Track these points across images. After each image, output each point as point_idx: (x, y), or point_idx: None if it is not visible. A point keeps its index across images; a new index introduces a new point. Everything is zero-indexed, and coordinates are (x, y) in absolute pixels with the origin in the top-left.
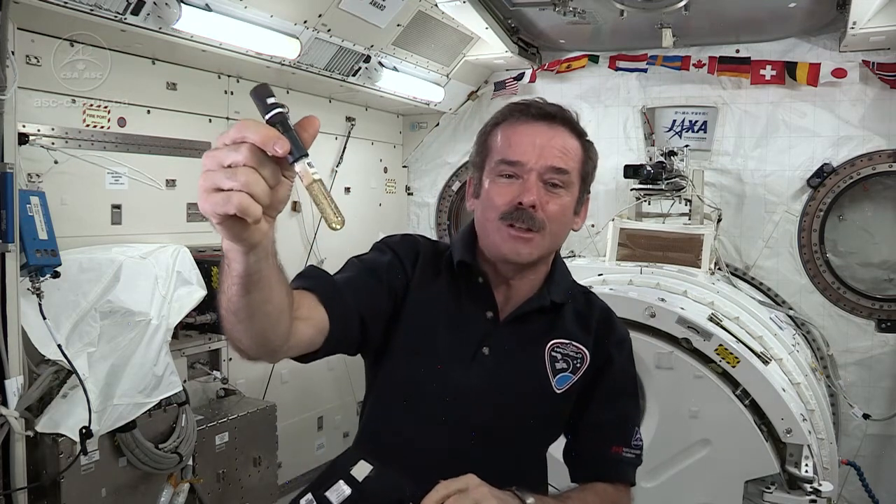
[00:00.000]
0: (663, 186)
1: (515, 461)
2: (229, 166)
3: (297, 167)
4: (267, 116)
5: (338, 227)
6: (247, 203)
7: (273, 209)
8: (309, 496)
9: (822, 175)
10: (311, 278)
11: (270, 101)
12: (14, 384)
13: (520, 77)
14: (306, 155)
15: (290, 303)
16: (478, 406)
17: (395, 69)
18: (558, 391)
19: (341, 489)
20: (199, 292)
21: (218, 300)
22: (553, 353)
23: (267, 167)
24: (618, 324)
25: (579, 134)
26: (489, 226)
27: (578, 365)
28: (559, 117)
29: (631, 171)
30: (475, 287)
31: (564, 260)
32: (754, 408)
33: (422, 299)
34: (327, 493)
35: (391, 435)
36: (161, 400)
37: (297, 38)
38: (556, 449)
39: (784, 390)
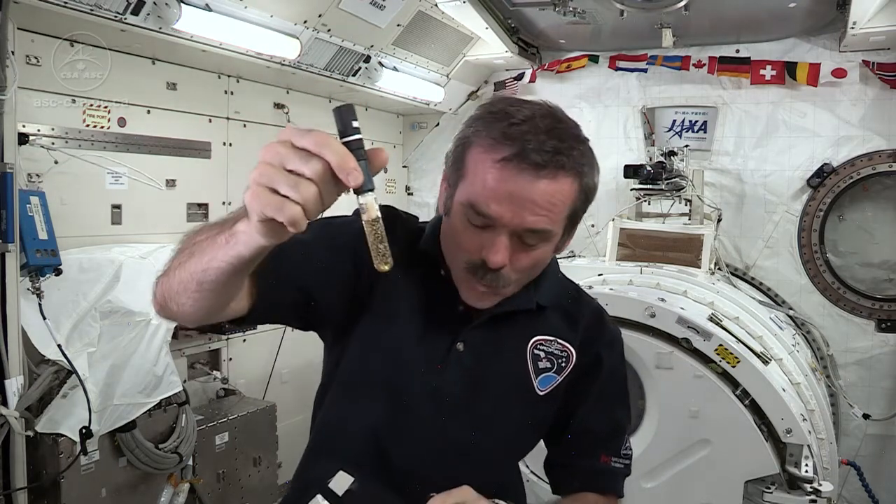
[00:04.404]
0: (663, 186)
1: (494, 471)
2: (291, 171)
3: (362, 200)
4: (346, 139)
5: (385, 267)
6: (299, 217)
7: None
8: None
9: (822, 175)
10: None
11: (355, 124)
12: (14, 384)
13: (520, 77)
14: (373, 189)
15: None
16: (454, 410)
17: (395, 69)
18: (541, 392)
19: None
20: None
21: (174, 258)
22: (536, 351)
23: (329, 188)
24: (609, 323)
25: (578, 173)
26: (453, 264)
27: (563, 364)
28: (551, 166)
29: (631, 171)
30: (442, 277)
31: (563, 260)
32: (754, 408)
33: (392, 282)
34: None
35: (361, 439)
36: (161, 400)
37: (297, 38)
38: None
39: (784, 390)
